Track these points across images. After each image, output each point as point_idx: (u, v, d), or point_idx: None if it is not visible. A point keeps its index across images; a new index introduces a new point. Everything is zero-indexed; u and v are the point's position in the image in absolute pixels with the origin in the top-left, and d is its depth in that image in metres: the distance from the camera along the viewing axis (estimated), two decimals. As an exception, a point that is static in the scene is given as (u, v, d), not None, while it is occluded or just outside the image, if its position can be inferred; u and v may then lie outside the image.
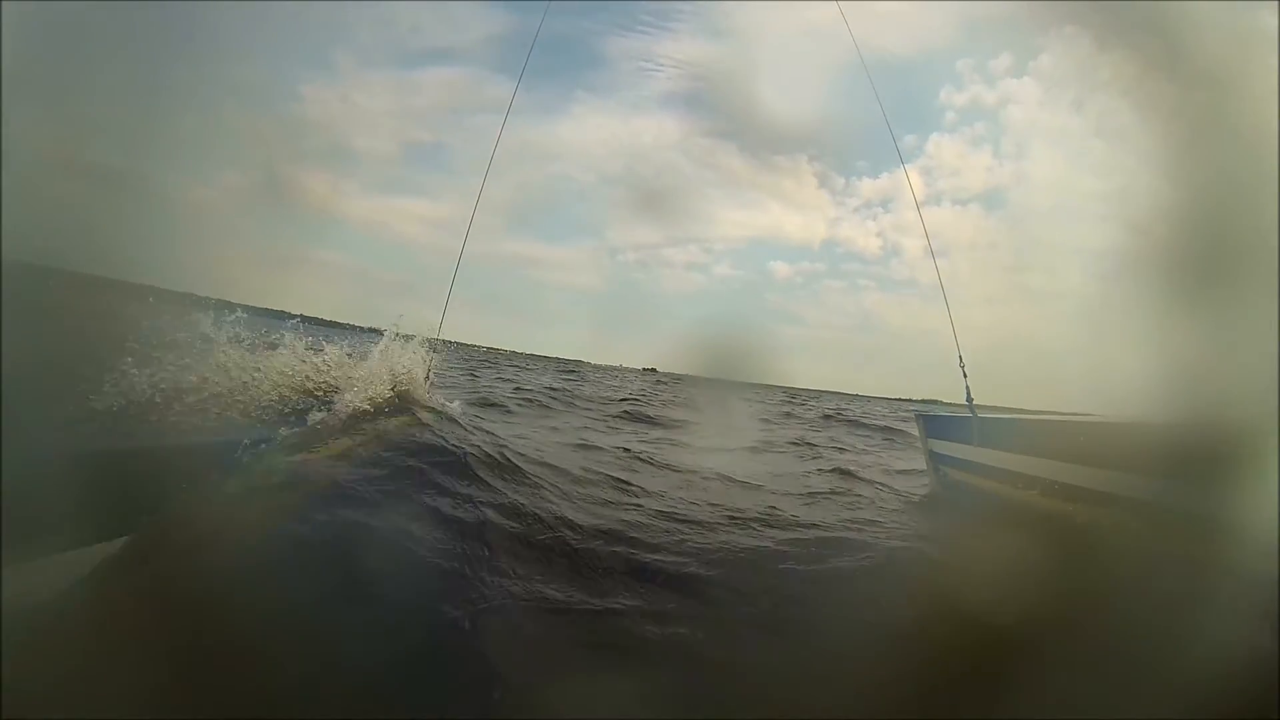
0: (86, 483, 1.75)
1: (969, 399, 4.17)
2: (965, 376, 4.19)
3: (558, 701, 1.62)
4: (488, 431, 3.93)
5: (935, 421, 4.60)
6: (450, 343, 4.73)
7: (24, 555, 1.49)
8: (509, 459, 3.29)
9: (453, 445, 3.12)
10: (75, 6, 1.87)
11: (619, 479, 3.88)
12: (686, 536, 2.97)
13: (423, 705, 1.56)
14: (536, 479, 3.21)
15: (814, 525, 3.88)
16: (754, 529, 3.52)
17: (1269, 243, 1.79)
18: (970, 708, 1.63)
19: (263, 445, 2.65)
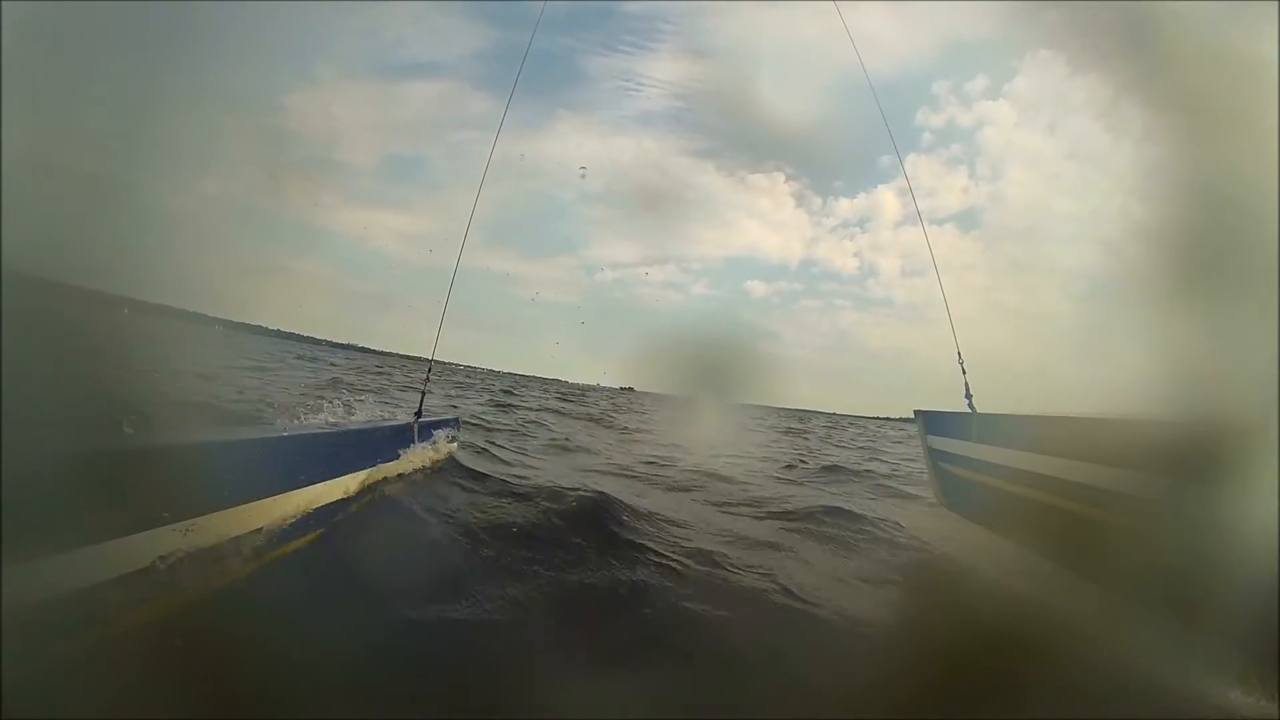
0: (88, 482, 1.75)
1: (968, 395, 4.18)
2: (964, 374, 4.20)
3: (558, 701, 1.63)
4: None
5: (935, 418, 4.61)
6: (433, 361, 4.74)
7: (24, 555, 1.49)
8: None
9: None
10: (51, 9, 1.85)
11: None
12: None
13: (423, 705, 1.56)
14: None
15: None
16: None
17: (1265, 249, 1.79)
18: (969, 707, 1.63)
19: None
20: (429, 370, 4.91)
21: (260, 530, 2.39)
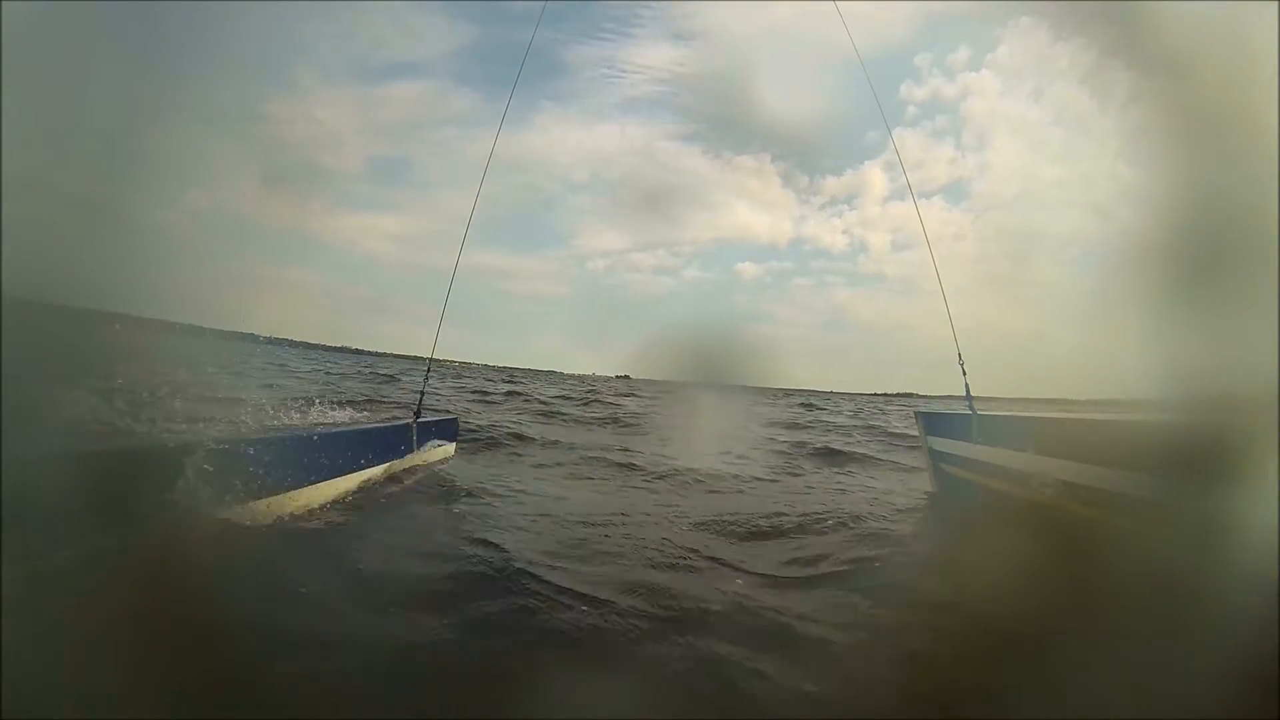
0: (87, 482, 1.75)
1: (968, 396, 4.18)
2: (965, 374, 4.21)
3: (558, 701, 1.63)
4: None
5: (935, 419, 4.61)
6: (431, 361, 4.78)
7: (24, 555, 1.49)
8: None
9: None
10: (28, 30, 1.84)
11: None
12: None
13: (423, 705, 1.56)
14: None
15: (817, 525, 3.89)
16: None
17: (1259, 232, 1.79)
18: (969, 708, 1.63)
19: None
20: (428, 370, 4.93)
21: (257, 531, 2.39)
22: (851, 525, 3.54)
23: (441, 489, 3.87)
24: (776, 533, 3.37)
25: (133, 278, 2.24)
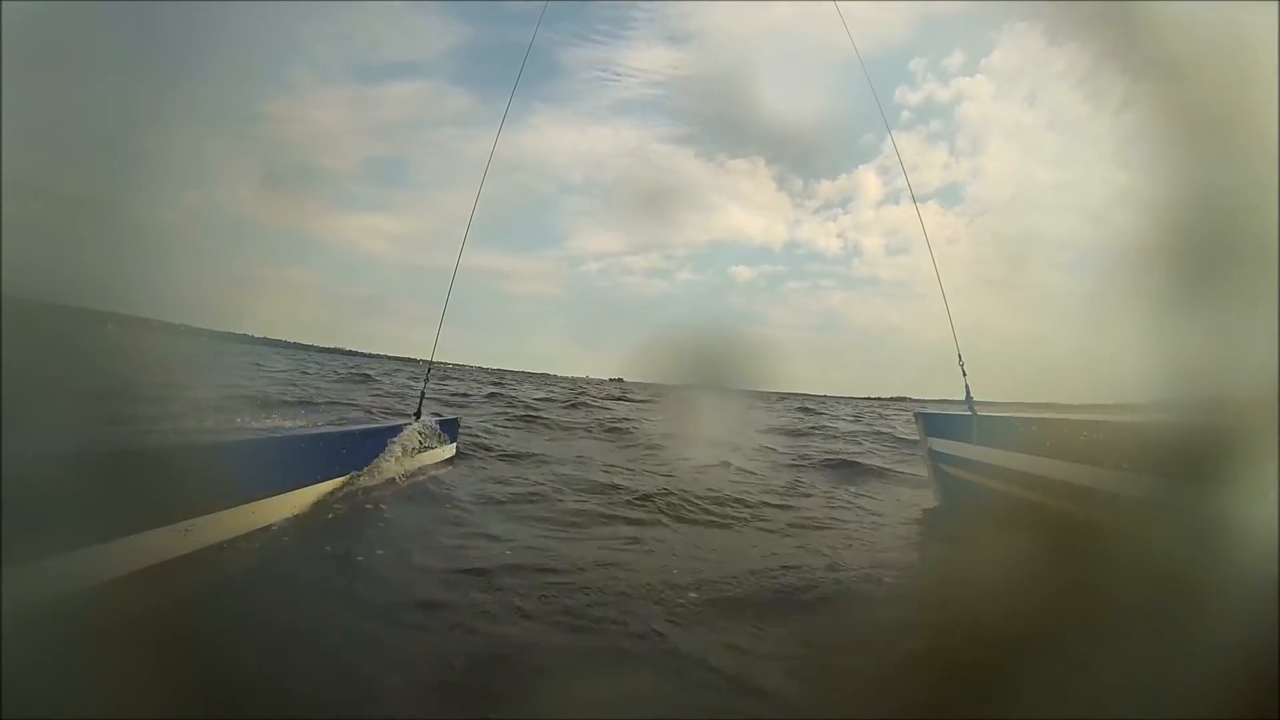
0: (89, 483, 1.75)
1: (969, 397, 4.18)
2: (965, 375, 4.21)
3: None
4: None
5: (935, 420, 4.61)
6: (432, 363, 4.72)
7: (24, 555, 1.49)
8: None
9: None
10: (23, 31, 1.84)
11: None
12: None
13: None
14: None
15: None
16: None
17: (1259, 232, 1.79)
18: (967, 708, 1.63)
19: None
20: (428, 371, 4.94)
21: (251, 532, 2.39)
22: (926, 601, 2.73)
23: (437, 491, 3.83)
24: (818, 605, 2.39)
25: (132, 278, 2.24)
